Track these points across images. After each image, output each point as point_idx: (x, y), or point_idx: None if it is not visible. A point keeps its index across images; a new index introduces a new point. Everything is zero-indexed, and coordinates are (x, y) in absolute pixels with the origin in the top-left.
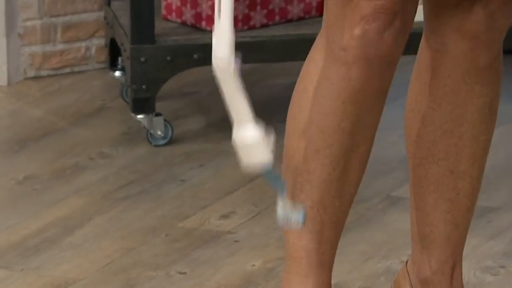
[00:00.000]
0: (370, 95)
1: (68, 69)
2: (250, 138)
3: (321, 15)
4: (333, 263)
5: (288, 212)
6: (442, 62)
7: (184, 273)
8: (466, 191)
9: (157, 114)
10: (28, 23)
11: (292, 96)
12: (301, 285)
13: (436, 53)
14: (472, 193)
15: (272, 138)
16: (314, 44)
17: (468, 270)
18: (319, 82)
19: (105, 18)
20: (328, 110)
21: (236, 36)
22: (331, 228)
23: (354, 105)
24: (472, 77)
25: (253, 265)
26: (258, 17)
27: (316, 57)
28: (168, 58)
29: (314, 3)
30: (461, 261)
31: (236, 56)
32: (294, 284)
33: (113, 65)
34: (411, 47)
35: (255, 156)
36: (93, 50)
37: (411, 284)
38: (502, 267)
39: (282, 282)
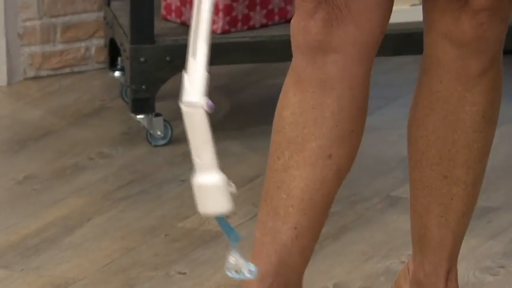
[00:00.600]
0: (309, 85)
1: (67, 70)
2: (211, 184)
3: None
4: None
5: (240, 263)
6: (434, 66)
7: (184, 273)
8: (460, 196)
9: (157, 115)
10: (28, 23)
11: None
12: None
13: (429, 57)
14: (467, 199)
15: (233, 188)
16: None
17: (467, 270)
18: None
19: (104, 18)
20: (280, 100)
21: (236, 36)
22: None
23: (295, 95)
24: (463, 85)
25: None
26: (257, 17)
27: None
28: (168, 58)
29: None
30: (456, 265)
31: (207, 99)
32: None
33: (113, 65)
34: (411, 47)
35: (214, 203)
36: (92, 50)
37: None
38: (502, 267)
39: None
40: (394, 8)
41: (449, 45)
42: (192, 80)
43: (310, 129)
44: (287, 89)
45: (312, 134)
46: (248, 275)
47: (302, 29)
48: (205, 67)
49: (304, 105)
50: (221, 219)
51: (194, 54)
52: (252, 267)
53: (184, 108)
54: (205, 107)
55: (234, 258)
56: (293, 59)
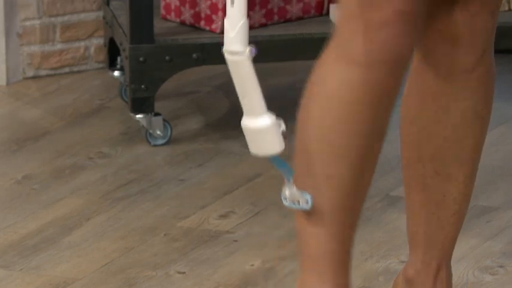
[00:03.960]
0: (388, 97)
1: (67, 69)
2: (261, 126)
3: (320, 14)
4: (350, 264)
5: (295, 195)
6: (426, 63)
7: (183, 272)
8: (452, 194)
9: (156, 114)
10: (27, 23)
11: (304, 101)
12: (320, 286)
13: (421, 54)
14: (460, 197)
15: (283, 126)
16: (326, 49)
17: (467, 270)
18: (336, 87)
19: (104, 18)
20: (348, 114)
21: None
22: (351, 228)
23: (372, 108)
24: (455, 80)
25: (252, 265)
26: (257, 17)
27: (329, 61)
28: (167, 58)
29: (313, 3)
30: (448, 265)
31: (250, 45)
32: (312, 285)
33: (112, 65)
34: None
35: (265, 144)
36: (92, 50)
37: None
38: (501, 266)
39: (297, 282)
40: None
41: (441, 40)
42: (233, 27)
43: None
44: (362, 103)
45: None
46: (305, 206)
47: (396, 44)
48: (244, 14)
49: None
50: (274, 158)
51: (232, 2)
52: (308, 197)
53: (228, 56)
54: (249, 54)
55: (289, 190)
56: (363, 74)
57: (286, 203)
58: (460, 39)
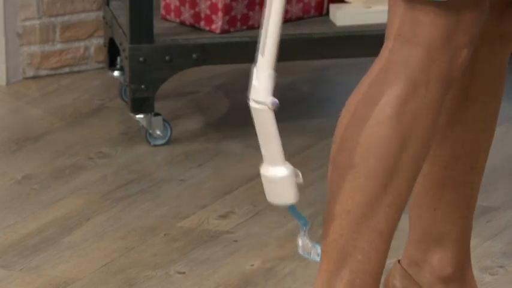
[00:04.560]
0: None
1: (66, 69)
2: (278, 176)
3: (320, 14)
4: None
5: (307, 246)
6: (480, 66)
7: (183, 272)
8: (477, 184)
9: (156, 114)
10: (27, 23)
11: (353, 123)
12: None
13: (475, 59)
14: (480, 184)
15: (300, 178)
16: (386, 67)
17: None
18: (424, 105)
19: (104, 18)
20: (432, 132)
21: (235, 36)
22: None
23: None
24: (499, 76)
25: (252, 265)
26: (256, 17)
27: (392, 80)
28: (167, 58)
29: (313, 3)
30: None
31: (273, 98)
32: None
33: (112, 65)
34: None
35: (281, 194)
36: (92, 50)
37: (420, 286)
38: (501, 266)
39: None
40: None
41: (497, 42)
42: (259, 77)
43: None
44: (436, 120)
45: None
46: (315, 257)
47: (467, 60)
48: (272, 66)
49: None
50: (291, 208)
51: (263, 52)
52: (319, 250)
53: (252, 104)
54: (271, 106)
55: (302, 241)
56: (446, 90)
57: (300, 251)
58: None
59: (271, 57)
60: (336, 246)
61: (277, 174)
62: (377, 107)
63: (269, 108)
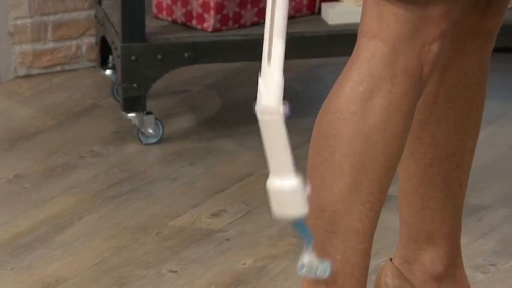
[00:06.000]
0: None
1: (58, 68)
2: (287, 187)
3: (312, 13)
4: None
5: (314, 263)
6: (457, 59)
7: (175, 271)
8: (464, 181)
9: (148, 113)
10: (18, 22)
11: (322, 120)
12: None
13: (453, 51)
14: (467, 180)
15: (308, 190)
16: (352, 63)
17: None
18: (390, 101)
19: (95, 16)
20: (403, 128)
21: (227, 35)
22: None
23: (411, 119)
24: (482, 70)
25: (244, 263)
26: (248, 15)
27: (355, 76)
28: (159, 56)
29: (305, 2)
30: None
31: (284, 104)
32: None
33: (104, 64)
34: None
35: (289, 207)
36: (83, 49)
37: (412, 284)
38: (492, 265)
39: None
40: None
41: (473, 37)
42: (267, 84)
43: None
44: (412, 114)
45: None
46: (322, 274)
47: (441, 53)
48: (280, 71)
49: None
50: (297, 222)
51: (269, 58)
52: (327, 266)
53: (260, 114)
54: (283, 113)
55: (308, 257)
56: (419, 85)
57: (301, 272)
58: (491, 34)
59: (278, 62)
60: (315, 247)
61: (287, 185)
62: (341, 103)
63: (281, 114)
